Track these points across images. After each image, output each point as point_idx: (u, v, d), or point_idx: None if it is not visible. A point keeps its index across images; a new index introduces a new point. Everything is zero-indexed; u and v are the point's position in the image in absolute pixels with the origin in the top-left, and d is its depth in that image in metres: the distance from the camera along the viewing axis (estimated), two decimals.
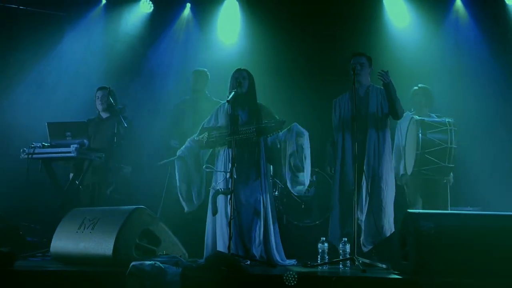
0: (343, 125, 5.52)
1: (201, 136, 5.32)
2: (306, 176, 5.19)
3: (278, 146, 5.29)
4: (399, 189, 6.13)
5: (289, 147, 5.15)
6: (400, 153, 6.06)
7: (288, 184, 5.20)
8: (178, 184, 5.32)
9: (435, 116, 5.91)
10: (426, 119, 5.68)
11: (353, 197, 5.08)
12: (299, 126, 5.22)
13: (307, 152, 5.20)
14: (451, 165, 5.56)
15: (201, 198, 5.33)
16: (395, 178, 5.87)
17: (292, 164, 5.14)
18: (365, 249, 5.28)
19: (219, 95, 6.09)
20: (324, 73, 7.47)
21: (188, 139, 5.44)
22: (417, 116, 5.76)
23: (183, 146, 5.42)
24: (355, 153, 5.11)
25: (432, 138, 5.50)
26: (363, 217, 5.31)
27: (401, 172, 5.98)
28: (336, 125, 5.60)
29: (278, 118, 5.24)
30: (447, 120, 5.66)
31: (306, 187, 5.27)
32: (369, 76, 5.58)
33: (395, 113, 5.40)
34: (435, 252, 4.06)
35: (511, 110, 7.09)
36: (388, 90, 5.31)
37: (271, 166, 5.52)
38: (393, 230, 5.34)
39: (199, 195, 5.32)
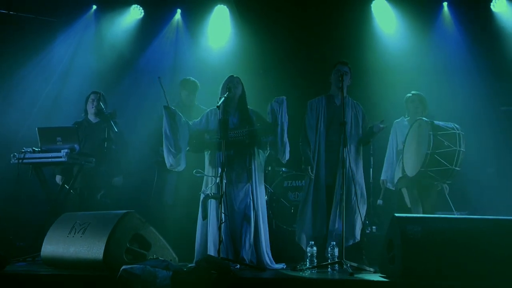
0: (319, 129, 5.58)
1: (189, 141, 5.32)
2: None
3: (270, 150, 5.35)
4: (394, 193, 6.22)
5: (284, 120, 5.20)
6: (393, 159, 6.14)
7: (286, 155, 5.23)
8: (168, 134, 5.21)
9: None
10: (435, 121, 5.68)
11: (342, 203, 5.14)
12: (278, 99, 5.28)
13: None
14: (458, 169, 5.54)
15: (184, 160, 5.26)
16: (388, 183, 6.11)
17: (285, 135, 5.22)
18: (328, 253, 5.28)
19: (209, 99, 6.09)
20: (313, 78, 7.53)
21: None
22: (425, 118, 5.79)
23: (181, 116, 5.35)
24: (343, 159, 5.17)
25: (442, 139, 5.50)
26: (335, 221, 5.35)
27: (399, 175, 6.04)
28: (311, 126, 5.64)
29: (270, 122, 5.29)
30: (454, 125, 5.69)
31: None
32: (346, 88, 5.63)
33: (365, 143, 5.71)
34: (421, 255, 4.12)
35: (497, 113, 7.20)
36: (372, 135, 5.59)
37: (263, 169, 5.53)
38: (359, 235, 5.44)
39: (183, 152, 5.24)
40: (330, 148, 5.50)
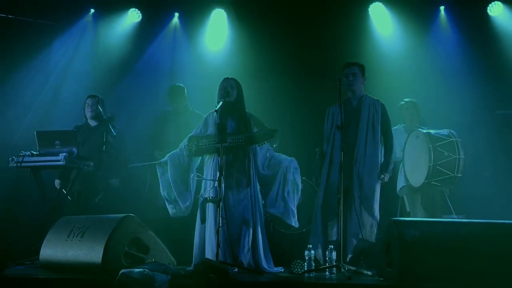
0: (334, 134, 5.54)
1: (188, 146, 5.37)
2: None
3: (267, 155, 5.35)
4: (392, 198, 6.24)
5: (287, 182, 5.27)
6: (395, 166, 6.16)
7: (283, 216, 5.29)
8: (161, 189, 5.36)
9: (425, 128, 6.01)
10: (432, 132, 5.74)
11: (339, 206, 5.11)
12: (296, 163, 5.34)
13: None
14: (460, 175, 5.64)
15: (185, 204, 5.31)
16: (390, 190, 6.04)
17: (287, 198, 5.26)
18: (348, 257, 5.30)
19: (207, 103, 6.10)
20: (311, 81, 7.55)
21: (180, 145, 5.47)
22: (422, 129, 5.82)
23: (170, 153, 5.44)
24: (341, 162, 5.15)
25: (442, 150, 5.60)
26: (350, 226, 5.33)
27: (401, 184, 6.07)
28: (327, 134, 5.63)
29: (268, 127, 5.30)
30: (450, 131, 5.75)
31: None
32: (363, 85, 5.62)
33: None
34: (419, 259, 4.14)
35: (493, 117, 7.22)
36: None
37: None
38: (374, 238, 5.39)
39: (184, 201, 5.30)
40: (346, 151, 5.33)
